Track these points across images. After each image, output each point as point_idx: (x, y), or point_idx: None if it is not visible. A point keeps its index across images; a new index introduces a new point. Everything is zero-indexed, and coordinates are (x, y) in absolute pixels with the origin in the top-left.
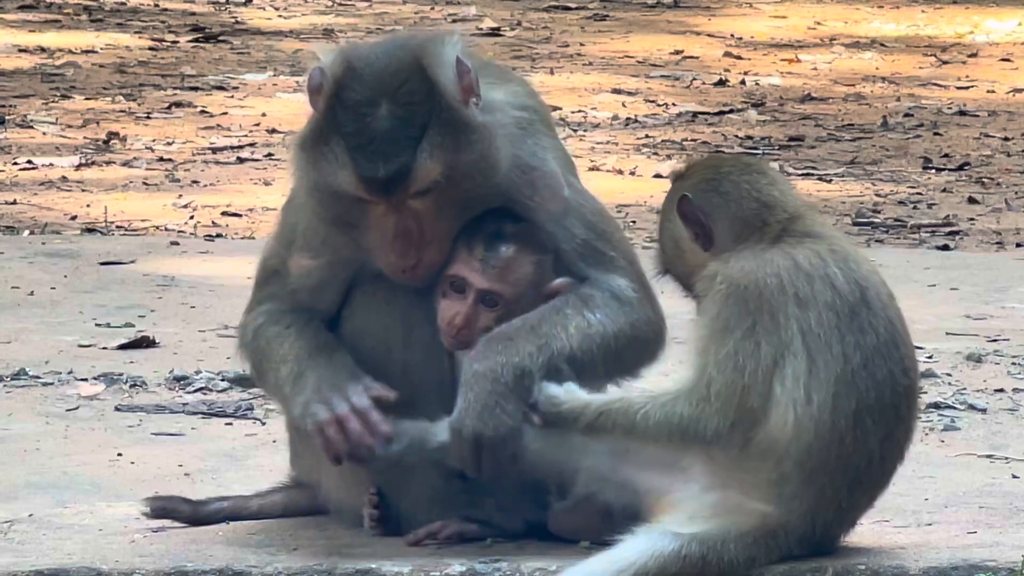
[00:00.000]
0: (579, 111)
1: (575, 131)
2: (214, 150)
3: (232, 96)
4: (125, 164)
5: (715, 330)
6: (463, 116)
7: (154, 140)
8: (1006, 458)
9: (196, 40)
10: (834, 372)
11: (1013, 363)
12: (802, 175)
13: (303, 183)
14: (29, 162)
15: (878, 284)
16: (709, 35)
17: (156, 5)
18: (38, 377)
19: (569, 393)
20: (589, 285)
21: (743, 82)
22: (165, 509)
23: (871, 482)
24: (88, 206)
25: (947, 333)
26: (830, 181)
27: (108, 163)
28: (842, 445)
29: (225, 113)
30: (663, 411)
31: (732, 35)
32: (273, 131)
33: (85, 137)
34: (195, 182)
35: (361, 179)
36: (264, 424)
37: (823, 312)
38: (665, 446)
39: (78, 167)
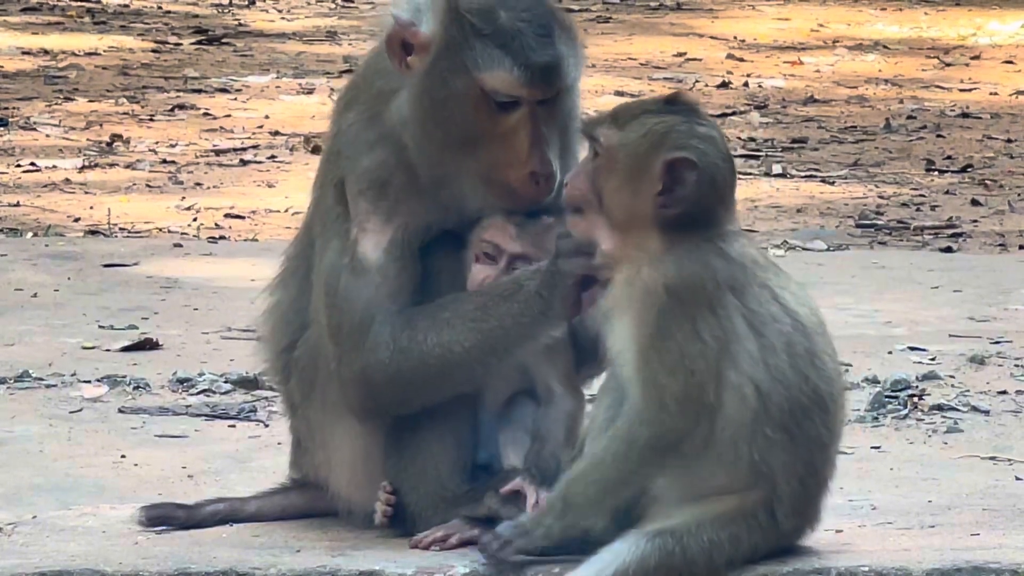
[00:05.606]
0: (582, 113)
1: None
2: (217, 152)
3: (235, 98)
4: (128, 166)
5: (654, 337)
6: (576, 31)
7: (157, 142)
8: (1009, 460)
9: (199, 42)
10: (784, 332)
11: (1016, 365)
12: (805, 177)
13: (416, 114)
14: (32, 164)
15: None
16: (712, 37)
17: (159, 7)
18: (41, 379)
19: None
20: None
21: (746, 84)
22: (161, 517)
23: (824, 419)
24: (91, 208)
25: (950, 335)
26: (833, 183)
27: (111, 165)
28: (790, 392)
29: (228, 115)
30: (625, 442)
31: (735, 37)
32: (276, 133)
33: (88, 139)
34: (198, 184)
35: (525, 69)
36: (267, 426)
37: (758, 290)
38: (644, 470)
39: (81, 169)
